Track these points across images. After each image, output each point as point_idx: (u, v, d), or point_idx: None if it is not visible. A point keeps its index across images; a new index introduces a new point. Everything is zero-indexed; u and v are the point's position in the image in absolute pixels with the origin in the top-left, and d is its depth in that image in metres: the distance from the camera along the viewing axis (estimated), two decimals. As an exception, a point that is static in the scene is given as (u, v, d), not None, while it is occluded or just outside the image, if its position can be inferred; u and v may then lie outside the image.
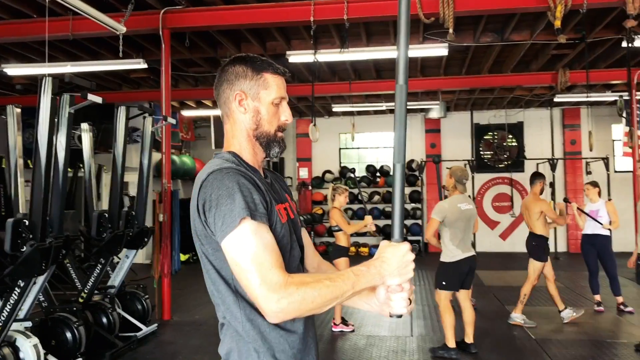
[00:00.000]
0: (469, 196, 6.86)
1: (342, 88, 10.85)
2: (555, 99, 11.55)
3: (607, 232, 6.96)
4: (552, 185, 13.13)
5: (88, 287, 5.51)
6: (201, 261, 1.49)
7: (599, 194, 7.08)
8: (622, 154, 11.64)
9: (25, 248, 4.21)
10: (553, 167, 12.79)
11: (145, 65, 8.32)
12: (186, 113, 12.91)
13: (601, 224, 6.88)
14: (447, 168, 5.97)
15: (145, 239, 6.27)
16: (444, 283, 5.24)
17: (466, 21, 7.84)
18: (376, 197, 14.01)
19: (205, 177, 1.41)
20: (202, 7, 6.98)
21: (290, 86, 10.77)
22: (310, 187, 14.64)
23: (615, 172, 13.24)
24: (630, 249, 6.93)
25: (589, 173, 13.06)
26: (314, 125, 8.48)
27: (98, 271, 5.55)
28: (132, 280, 7.98)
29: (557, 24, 6.18)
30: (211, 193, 1.36)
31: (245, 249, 1.30)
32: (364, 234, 13.40)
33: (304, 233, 1.69)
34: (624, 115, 10.55)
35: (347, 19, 6.52)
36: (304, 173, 14.75)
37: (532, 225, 6.46)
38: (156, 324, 6.34)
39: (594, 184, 7.11)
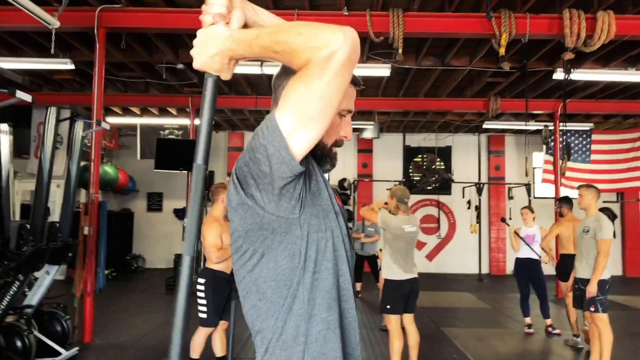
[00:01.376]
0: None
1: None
2: (484, 126, 11.97)
3: (538, 257, 7.16)
4: (477, 208, 13.57)
5: (2, 306, 4.89)
6: (253, 273, 1.24)
7: (534, 219, 7.28)
8: (541, 181, 12.17)
9: None
10: (479, 191, 13.21)
11: (72, 66, 7.77)
12: (111, 120, 12.18)
13: (535, 251, 7.08)
14: (387, 189, 5.90)
15: (70, 254, 5.71)
16: (388, 307, 5.11)
17: (410, 43, 7.92)
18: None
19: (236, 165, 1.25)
20: (141, 7, 6.60)
21: (227, 98, 10.45)
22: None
23: (535, 198, 13.87)
24: (553, 272, 7.29)
25: (511, 198, 13.62)
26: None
27: (15, 289, 4.95)
28: (46, 299, 7.27)
29: (502, 51, 6.36)
30: (244, 163, 1.23)
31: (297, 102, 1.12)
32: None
33: None
34: (549, 143, 11.11)
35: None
36: (234, 188, 14.35)
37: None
38: (77, 348, 5.76)
39: (531, 210, 7.30)
